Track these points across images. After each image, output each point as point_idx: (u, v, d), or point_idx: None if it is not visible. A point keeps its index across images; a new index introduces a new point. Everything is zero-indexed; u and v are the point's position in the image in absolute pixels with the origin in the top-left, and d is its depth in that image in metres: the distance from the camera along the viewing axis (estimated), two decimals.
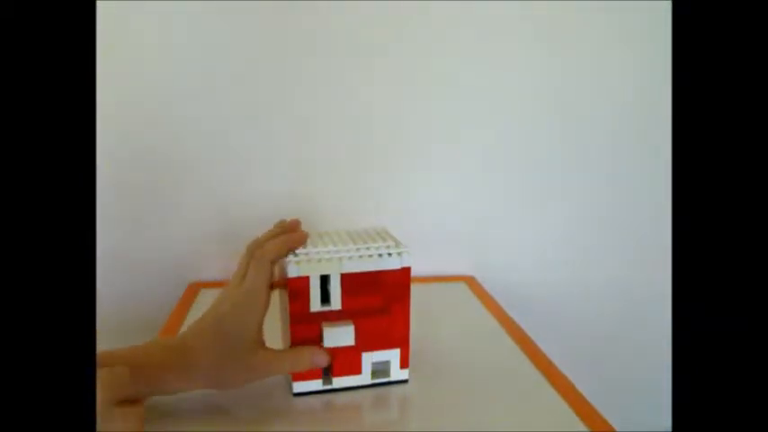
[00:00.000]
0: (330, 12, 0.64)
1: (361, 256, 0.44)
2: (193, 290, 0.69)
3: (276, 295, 0.47)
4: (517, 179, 0.74)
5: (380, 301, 0.46)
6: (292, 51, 0.65)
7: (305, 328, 0.45)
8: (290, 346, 0.45)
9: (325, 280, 0.44)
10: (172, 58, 0.64)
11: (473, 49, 0.68)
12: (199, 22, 0.63)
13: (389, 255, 0.45)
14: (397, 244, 0.46)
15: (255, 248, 0.44)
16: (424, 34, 0.67)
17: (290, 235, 0.45)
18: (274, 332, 0.48)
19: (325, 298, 0.45)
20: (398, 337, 0.47)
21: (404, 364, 0.48)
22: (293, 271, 0.43)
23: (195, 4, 0.62)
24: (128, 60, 0.64)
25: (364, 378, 0.47)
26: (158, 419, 0.43)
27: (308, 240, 0.46)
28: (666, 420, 0.89)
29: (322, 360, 0.45)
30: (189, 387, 0.43)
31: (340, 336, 0.45)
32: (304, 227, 0.48)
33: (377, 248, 0.45)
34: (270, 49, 0.65)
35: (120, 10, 0.61)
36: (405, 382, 0.49)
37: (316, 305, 0.44)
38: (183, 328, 0.57)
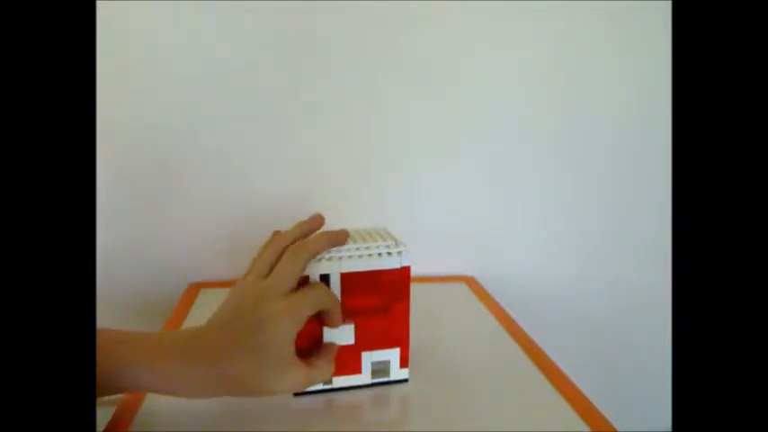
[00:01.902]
0: (330, 11, 0.64)
1: (360, 256, 0.44)
2: (193, 290, 0.69)
3: None
4: (518, 179, 0.74)
5: (380, 301, 0.46)
6: (293, 52, 0.65)
7: (305, 328, 0.44)
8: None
9: (324, 279, 0.44)
10: (172, 60, 0.64)
11: (474, 49, 0.68)
12: (199, 24, 0.63)
13: (389, 254, 0.45)
14: (397, 243, 0.46)
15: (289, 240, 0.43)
16: (425, 35, 0.66)
17: (332, 232, 0.44)
18: None
19: None
20: (398, 337, 0.47)
21: (404, 363, 0.48)
22: None
23: (195, 5, 0.62)
24: (129, 62, 0.64)
25: (364, 377, 0.47)
26: (157, 418, 0.43)
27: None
28: (666, 420, 0.89)
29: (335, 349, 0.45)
30: (209, 395, 0.39)
31: (340, 334, 0.45)
32: None
33: (376, 248, 0.45)
34: (270, 50, 0.65)
35: (121, 11, 0.61)
36: (405, 381, 0.49)
37: None
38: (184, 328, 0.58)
